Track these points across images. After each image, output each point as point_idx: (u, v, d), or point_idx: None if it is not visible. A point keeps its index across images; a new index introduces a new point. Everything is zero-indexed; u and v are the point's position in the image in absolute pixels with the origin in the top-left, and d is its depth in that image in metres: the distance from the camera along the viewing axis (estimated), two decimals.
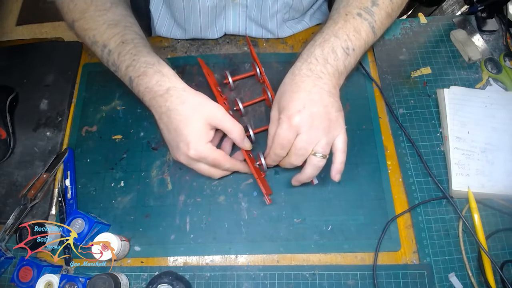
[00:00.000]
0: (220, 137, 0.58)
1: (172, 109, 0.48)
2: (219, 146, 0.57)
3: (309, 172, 0.49)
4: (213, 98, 0.64)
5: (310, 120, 0.46)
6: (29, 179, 0.57)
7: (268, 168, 0.55)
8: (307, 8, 0.67)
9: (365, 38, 0.51)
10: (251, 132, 0.56)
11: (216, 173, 0.53)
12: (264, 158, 0.54)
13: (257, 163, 0.55)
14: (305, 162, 0.49)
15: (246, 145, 0.53)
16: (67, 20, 0.55)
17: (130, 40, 0.51)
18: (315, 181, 0.54)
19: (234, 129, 0.50)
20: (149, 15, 0.69)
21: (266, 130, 0.60)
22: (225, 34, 0.69)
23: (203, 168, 0.51)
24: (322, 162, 0.48)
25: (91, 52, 0.56)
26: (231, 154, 0.57)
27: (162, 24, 0.69)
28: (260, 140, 0.60)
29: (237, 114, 0.61)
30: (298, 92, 0.47)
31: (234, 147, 0.58)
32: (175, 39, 0.70)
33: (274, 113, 0.50)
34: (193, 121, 0.47)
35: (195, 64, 0.67)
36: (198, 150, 0.48)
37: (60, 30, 1.76)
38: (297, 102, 0.46)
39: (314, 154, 0.47)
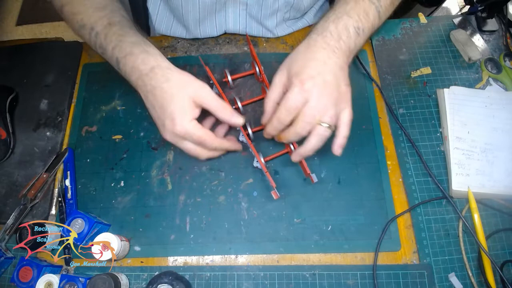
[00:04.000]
0: (213, 122, 0.57)
1: (157, 87, 0.48)
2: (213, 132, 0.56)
3: (314, 142, 0.47)
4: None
5: (322, 88, 0.45)
6: (29, 179, 0.57)
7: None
8: (308, 8, 0.67)
9: (372, 21, 0.51)
10: (249, 131, 0.56)
11: (203, 153, 0.52)
12: (264, 128, 0.52)
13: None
14: (301, 142, 0.48)
15: (237, 120, 0.50)
16: (56, 5, 0.56)
17: (116, 22, 0.52)
18: (315, 179, 0.54)
19: (220, 107, 0.49)
20: (146, 13, 0.69)
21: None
22: (225, 33, 0.69)
23: (189, 146, 0.50)
24: (328, 132, 0.47)
25: (91, 53, 0.56)
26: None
27: (162, 21, 0.69)
28: (260, 140, 0.60)
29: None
30: (313, 61, 0.47)
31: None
32: (175, 38, 0.70)
33: (279, 78, 0.49)
34: (178, 98, 0.47)
35: (195, 64, 0.67)
36: (183, 126, 0.47)
37: (60, 30, 1.76)
38: (312, 69, 0.46)
39: (321, 124, 0.46)
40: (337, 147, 0.48)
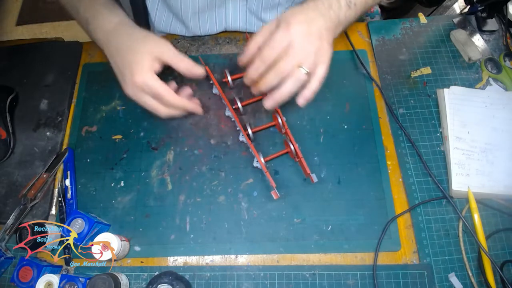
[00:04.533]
0: (189, 93, 0.59)
1: (120, 41, 0.51)
2: None
3: (289, 86, 0.48)
4: (218, 96, 0.64)
5: (307, 34, 0.47)
6: (29, 179, 0.57)
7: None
8: None
9: None
10: (249, 131, 0.57)
11: (161, 108, 0.53)
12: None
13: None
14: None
15: (198, 71, 0.52)
16: None
17: None
18: (315, 179, 0.54)
19: (179, 59, 0.51)
20: (146, 10, 0.69)
21: (266, 129, 0.60)
22: (225, 31, 0.69)
23: (148, 101, 0.52)
24: (305, 77, 0.48)
25: (91, 53, 0.56)
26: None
27: (161, 18, 0.69)
28: (260, 140, 0.60)
29: (236, 113, 0.61)
30: (302, 13, 0.49)
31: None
32: (175, 38, 0.70)
33: (268, 25, 0.50)
34: (138, 50, 0.50)
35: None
36: (141, 76, 0.49)
37: (60, 30, 1.76)
38: (299, 17, 0.48)
39: (300, 68, 0.47)
40: (303, 99, 0.49)
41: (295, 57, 0.47)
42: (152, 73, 0.50)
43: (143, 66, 0.49)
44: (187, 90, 0.59)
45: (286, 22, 0.48)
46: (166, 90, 0.50)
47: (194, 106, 0.56)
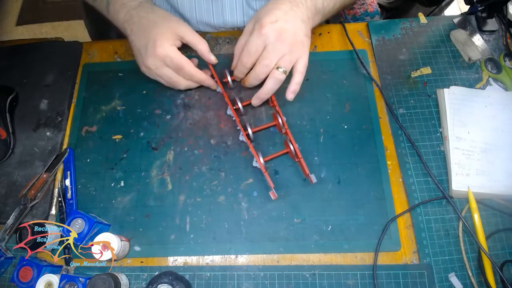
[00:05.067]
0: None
1: (143, 16, 0.53)
2: None
3: (270, 86, 0.53)
4: (220, 96, 0.64)
5: (279, 33, 0.50)
6: (29, 179, 0.57)
7: (233, 83, 0.60)
8: None
9: None
10: (249, 131, 0.57)
11: (181, 81, 0.56)
12: (231, 75, 0.57)
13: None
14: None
15: (212, 58, 0.57)
16: None
17: None
18: (314, 180, 0.54)
19: (199, 41, 0.55)
20: None
21: (266, 129, 0.60)
22: (224, 29, 0.69)
23: (168, 73, 0.55)
24: (283, 77, 0.52)
25: (91, 53, 0.56)
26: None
27: None
28: (260, 140, 0.60)
29: (237, 113, 0.61)
30: (275, 10, 0.51)
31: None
32: None
33: (248, 26, 0.54)
34: (161, 25, 0.53)
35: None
36: (164, 48, 0.51)
37: (60, 30, 1.76)
38: (272, 16, 0.50)
39: (277, 68, 0.51)
40: (289, 93, 0.53)
41: (270, 59, 0.51)
42: (174, 47, 0.53)
43: (167, 39, 0.52)
44: (212, 61, 0.61)
45: (259, 24, 0.50)
46: (187, 62, 0.54)
47: (211, 81, 0.60)
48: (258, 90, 0.54)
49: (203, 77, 0.58)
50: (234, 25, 0.69)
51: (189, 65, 0.54)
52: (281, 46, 0.50)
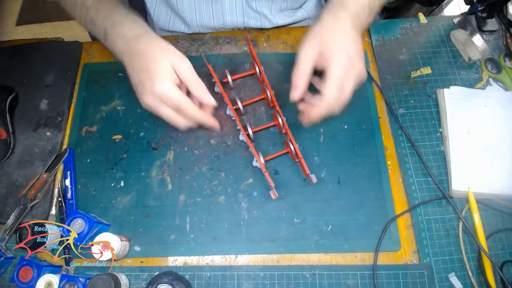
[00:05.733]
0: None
1: (141, 50, 0.50)
2: None
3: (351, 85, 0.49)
4: (220, 96, 0.64)
5: (358, 53, 0.48)
6: (29, 179, 0.57)
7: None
8: None
9: (380, 1, 0.54)
10: (250, 131, 0.57)
11: (181, 120, 0.51)
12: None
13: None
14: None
15: (210, 100, 0.51)
16: None
17: None
18: (314, 180, 0.54)
19: (195, 81, 0.50)
20: (144, 7, 0.69)
21: (266, 128, 0.60)
22: (224, 30, 0.69)
23: (168, 113, 0.50)
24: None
25: (91, 53, 0.56)
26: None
27: (160, 14, 0.69)
28: (260, 140, 0.60)
29: (237, 113, 0.61)
30: (343, 34, 0.49)
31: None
32: (175, 38, 0.70)
33: (309, 52, 0.50)
34: (160, 60, 0.49)
35: (195, 64, 0.66)
36: (162, 86, 0.48)
37: (60, 30, 1.76)
38: (345, 39, 0.48)
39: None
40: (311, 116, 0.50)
41: (361, 78, 0.49)
42: (173, 84, 0.48)
43: (164, 76, 0.48)
44: (210, 105, 0.56)
45: (338, 50, 0.47)
46: (186, 102, 0.49)
47: (213, 122, 0.54)
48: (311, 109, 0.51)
49: (205, 119, 0.52)
50: (234, 26, 0.69)
51: (188, 106, 0.49)
52: (362, 65, 0.49)
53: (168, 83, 0.48)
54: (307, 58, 0.49)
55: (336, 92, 0.47)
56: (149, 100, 0.49)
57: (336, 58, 0.47)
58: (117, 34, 0.51)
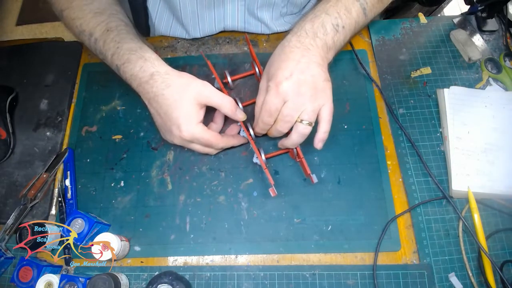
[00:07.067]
0: (223, 116, 0.59)
1: (159, 94, 0.49)
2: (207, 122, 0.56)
3: (295, 138, 0.50)
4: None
5: (297, 87, 0.47)
6: (29, 179, 0.57)
7: (256, 137, 0.57)
8: (305, 3, 0.67)
9: (356, 18, 0.53)
10: (251, 131, 0.56)
11: (211, 151, 0.55)
12: (253, 129, 0.55)
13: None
14: (291, 129, 0.50)
15: (240, 116, 0.53)
16: (56, 9, 0.57)
17: (114, 27, 0.53)
18: (315, 180, 0.54)
19: (224, 103, 0.50)
20: (146, 12, 0.69)
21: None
22: (224, 31, 0.69)
23: (197, 147, 0.53)
24: (308, 129, 0.49)
25: (91, 53, 0.56)
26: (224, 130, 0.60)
27: (161, 20, 0.69)
28: (260, 140, 0.60)
29: None
30: (287, 61, 0.48)
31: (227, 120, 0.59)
32: (175, 38, 0.70)
33: (262, 83, 0.52)
34: (181, 103, 0.48)
35: (195, 64, 0.67)
36: (190, 131, 0.49)
37: (60, 30, 1.76)
38: (285, 70, 0.47)
39: (301, 121, 0.48)
40: (318, 141, 0.50)
41: (291, 115, 0.48)
42: (201, 126, 0.50)
43: (190, 121, 0.49)
44: (234, 129, 0.59)
45: (274, 82, 0.48)
46: (215, 137, 0.52)
47: (239, 141, 0.57)
48: (284, 138, 0.53)
49: (234, 141, 0.56)
50: (234, 29, 0.69)
51: (217, 140, 0.52)
52: (301, 100, 0.47)
53: (195, 127, 0.49)
54: (260, 90, 0.52)
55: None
56: (177, 142, 0.52)
57: (269, 89, 0.49)
58: (129, 74, 0.50)
